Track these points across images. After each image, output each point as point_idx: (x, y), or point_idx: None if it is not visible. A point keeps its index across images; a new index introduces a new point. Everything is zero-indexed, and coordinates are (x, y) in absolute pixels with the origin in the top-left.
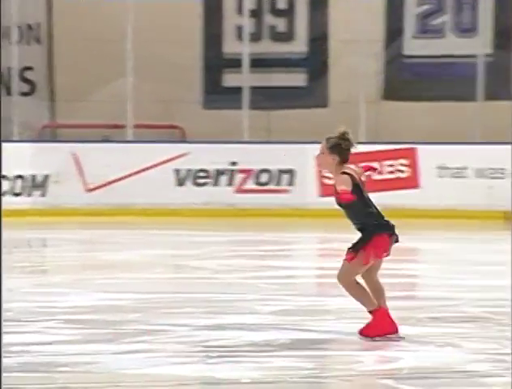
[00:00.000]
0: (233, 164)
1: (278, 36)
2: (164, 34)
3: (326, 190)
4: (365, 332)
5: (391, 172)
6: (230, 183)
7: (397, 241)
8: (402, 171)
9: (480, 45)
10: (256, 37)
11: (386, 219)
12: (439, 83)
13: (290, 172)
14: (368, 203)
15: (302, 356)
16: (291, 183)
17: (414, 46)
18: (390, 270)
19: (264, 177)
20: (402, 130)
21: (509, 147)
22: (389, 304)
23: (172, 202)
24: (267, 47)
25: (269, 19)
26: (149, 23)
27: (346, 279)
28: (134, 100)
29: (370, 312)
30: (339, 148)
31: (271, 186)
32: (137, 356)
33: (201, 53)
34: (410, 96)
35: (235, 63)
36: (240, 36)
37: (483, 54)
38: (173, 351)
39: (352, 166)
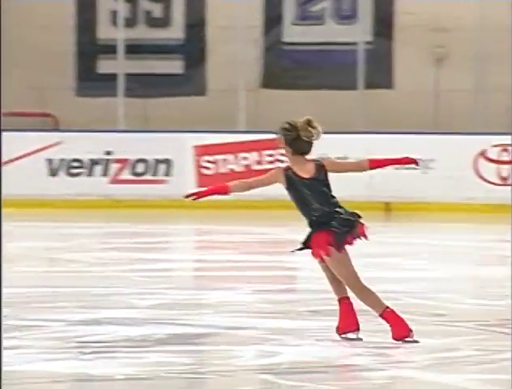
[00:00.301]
0: (108, 153)
1: (154, 22)
2: (35, 19)
3: (203, 181)
4: (398, 336)
5: (271, 162)
6: (105, 173)
7: (351, 236)
8: (282, 161)
9: (360, 33)
10: (131, 23)
11: (335, 215)
12: (319, 70)
13: (167, 162)
14: (308, 201)
15: (179, 351)
16: (168, 173)
17: (293, 33)
18: (270, 262)
19: (140, 167)
20: (282, 119)
21: (388, 136)
22: (269, 297)
23: (44, 192)
24: (143, 33)
25: (144, 4)
26: (19, 7)
27: (341, 276)
28: (4, 86)
29: (380, 316)
30: (286, 139)
31: (148, 177)
32: (7, 352)
33: (74, 38)
34: (290, 84)
35: (110, 49)
36: (114, 22)
37: (363, 42)
38: (45, 347)
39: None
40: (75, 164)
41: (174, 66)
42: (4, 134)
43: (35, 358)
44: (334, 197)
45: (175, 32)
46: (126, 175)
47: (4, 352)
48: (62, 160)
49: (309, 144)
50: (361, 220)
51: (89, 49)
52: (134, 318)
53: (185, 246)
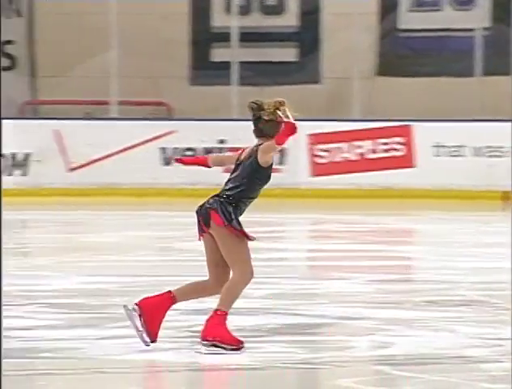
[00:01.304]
0: (222, 142)
1: (268, 9)
2: (151, 7)
3: (318, 170)
4: (207, 336)
5: (386, 150)
6: None
7: (203, 223)
8: (397, 149)
9: (477, 18)
10: (245, 10)
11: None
12: (435, 57)
13: (281, 150)
14: None
15: (293, 341)
16: (282, 162)
17: (409, 20)
18: (385, 252)
19: None
20: (397, 107)
21: (508, 124)
22: (384, 287)
23: (157, 181)
24: (257, 20)
25: None
26: None
27: None
28: (119, 75)
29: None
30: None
31: None
32: (122, 341)
33: (188, 26)
34: (405, 72)
35: (223, 37)
36: (228, 9)
37: (481, 28)
38: (159, 336)
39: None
40: (189, 152)
41: (288, 53)
42: (118, 123)
43: (149, 347)
44: (237, 184)
45: (289, 19)
46: None
47: (118, 341)
48: (176, 148)
49: (271, 127)
50: (215, 208)
51: (203, 37)
52: (247, 307)
53: (300, 236)
